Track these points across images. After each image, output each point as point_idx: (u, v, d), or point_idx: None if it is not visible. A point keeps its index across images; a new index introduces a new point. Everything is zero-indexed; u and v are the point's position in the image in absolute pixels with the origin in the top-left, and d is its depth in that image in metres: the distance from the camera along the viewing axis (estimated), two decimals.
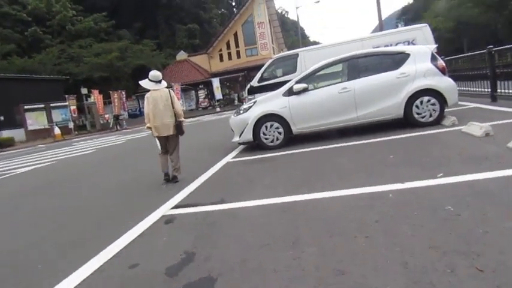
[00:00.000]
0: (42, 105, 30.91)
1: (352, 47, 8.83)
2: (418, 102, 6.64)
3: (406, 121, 6.86)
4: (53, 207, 5.66)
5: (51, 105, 31.29)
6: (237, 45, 43.88)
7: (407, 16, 69.66)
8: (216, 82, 35.53)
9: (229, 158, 7.08)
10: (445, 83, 6.64)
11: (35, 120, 30.79)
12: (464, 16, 42.85)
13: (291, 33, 74.41)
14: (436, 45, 7.21)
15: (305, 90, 7.00)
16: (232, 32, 43.72)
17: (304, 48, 10.32)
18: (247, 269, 2.53)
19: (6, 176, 10.39)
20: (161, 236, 3.49)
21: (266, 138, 7.18)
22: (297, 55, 10.17)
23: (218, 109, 33.55)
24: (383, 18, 23.41)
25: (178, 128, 5.92)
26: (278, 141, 7.16)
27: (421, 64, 6.68)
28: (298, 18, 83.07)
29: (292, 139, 7.29)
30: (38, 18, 41.04)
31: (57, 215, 5.15)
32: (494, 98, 8.51)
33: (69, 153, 14.82)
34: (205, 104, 39.35)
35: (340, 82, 7.01)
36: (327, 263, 2.41)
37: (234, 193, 4.57)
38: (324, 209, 3.43)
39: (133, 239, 3.51)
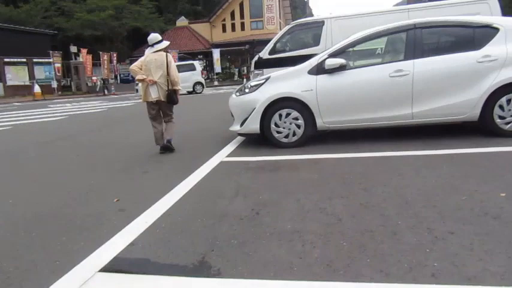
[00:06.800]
0: (24, 60, 28.33)
1: (393, 19, 6.50)
2: (503, 100, 4.56)
3: (481, 126, 4.80)
4: None
5: (34, 60, 28.70)
6: (242, 17, 41.04)
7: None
8: (216, 53, 33.04)
9: (223, 156, 4.94)
10: None
11: (16, 75, 28.30)
12: None
13: (298, 11, 70.79)
14: None
15: (342, 67, 4.82)
16: (238, 2, 40.71)
17: (332, 15, 7.98)
18: None
19: None
20: None
21: (279, 132, 5.04)
22: (322, 23, 7.80)
23: (216, 83, 31.35)
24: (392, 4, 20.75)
25: (170, 96, 5.24)
26: (295, 138, 5.03)
27: None
28: None
29: (313, 137, 5.17)
30: None
31: None
32: None
33: (35, 116, 12.66)
34: (203, 76, 36.82)
35: (394, 61, 4.86)
36: None
37: (225, 244, 2.42)
38: None
39: None
